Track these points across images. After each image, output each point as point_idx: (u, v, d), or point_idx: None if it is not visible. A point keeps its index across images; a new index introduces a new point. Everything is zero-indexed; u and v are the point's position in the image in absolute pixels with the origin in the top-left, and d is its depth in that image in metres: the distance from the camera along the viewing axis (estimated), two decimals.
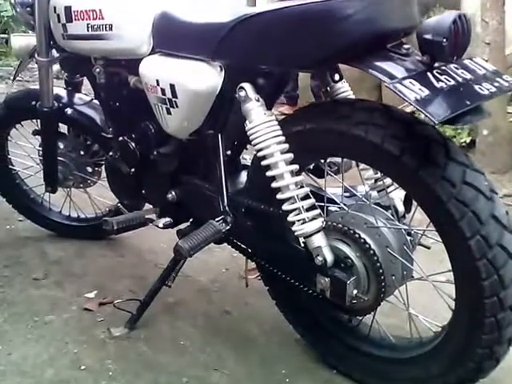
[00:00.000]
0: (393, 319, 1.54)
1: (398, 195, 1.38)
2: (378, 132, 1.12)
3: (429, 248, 1.38)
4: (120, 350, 1.58)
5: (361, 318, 1.44)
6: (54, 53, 1.85)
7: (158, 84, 1.41)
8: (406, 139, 1.10)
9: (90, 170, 2.18)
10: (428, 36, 1.02)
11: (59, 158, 2.11)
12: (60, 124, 2.08)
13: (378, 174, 1.38)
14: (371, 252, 1.22)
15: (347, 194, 1.39)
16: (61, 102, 2.02)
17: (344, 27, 1.07)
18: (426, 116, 0.96)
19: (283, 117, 1.33)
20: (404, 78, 1.01)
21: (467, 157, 1.11)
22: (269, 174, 1.24)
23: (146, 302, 1.67)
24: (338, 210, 1.36)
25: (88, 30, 1.56)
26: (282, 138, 1.24)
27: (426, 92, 0.99)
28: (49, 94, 1.93)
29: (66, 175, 2.16)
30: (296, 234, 1.24)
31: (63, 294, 1.89)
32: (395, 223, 1.27)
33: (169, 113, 1.42)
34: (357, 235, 1.23)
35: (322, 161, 1.41)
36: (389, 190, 1.33)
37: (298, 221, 1.23)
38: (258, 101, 1.24)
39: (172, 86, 1.37)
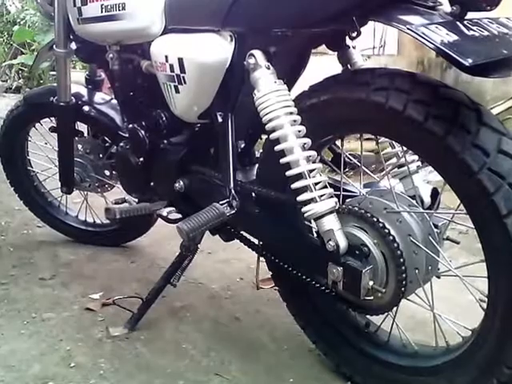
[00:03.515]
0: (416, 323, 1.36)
1: (424, 187, 1.24)
2: (399, 97, 0.99)
3: (458, 243, 1.22)
4: (116, 349, 1.45)
5: (379, 324, 1.28)
6: (73, 45, 1.81)
7: (166, 60, 1.33)
8: (431, 104, 0.97)
9: (107, 173, 2.10)
10: None
11: (77, 159, 2.04)
12: (80, 124, 2.03)
13: (402, 160, 1.24)
14: (390, 238, 1.07)
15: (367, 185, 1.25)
16: (79, 100, 1.96)
17: None
18: (453, 61, 0.82)
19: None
20: (429, 24, 0.88)
21: (503, 124, 0.96)
22: (278, 147, 1.11)
23: (149, 301, 1.54)
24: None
25: (102, 11, 1.51)
26: (294, 109, 1.12)
27: (455, 37, 0.86)
28: (66, 88, 1.88)
29: (82, 177, 2.09)
30: (306, 215, 1.10)
31: (67, 294, 1.80)
32: (418, 209, 1.12)
33: (177, 91, 1.33)
34: (374, 219, 1.09)
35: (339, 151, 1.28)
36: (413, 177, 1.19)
37: (309, 200, 1.09)
38: (268, 68, 1.13)
39: (180, 60, 1.28)
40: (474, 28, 0.90)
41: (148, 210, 1.51)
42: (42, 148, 2.20)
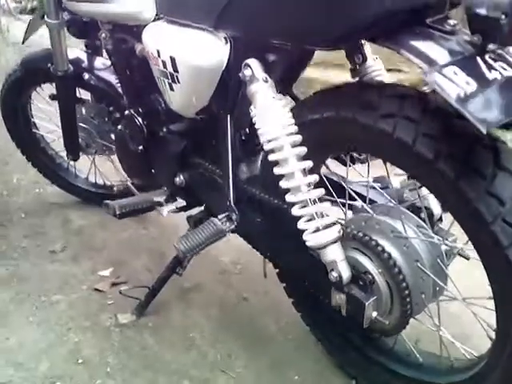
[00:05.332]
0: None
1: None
2: (408, 128, 0.89)
3: (468, 259, 1.16)
4: (124, 340, 1.47)
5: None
6: (66, 14, 1.68)
7: (159, 55, 1.22)
8: (443, 140, 0.87)
9: (113, 136, 2.04)
10: (481, 10, 0.77)
11: (81, 125, 1.98)
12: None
13: None
14: (396, 270, 1.01)
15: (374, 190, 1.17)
16: (78, 66, 1.86)
17: None
18: (472, 123, 0.72)
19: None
20: (446, 65, 0.77)
21: None
22: (277, 171, 1.03)
23: (155, 290, 1.54)
24: (361, 207, 1.15)
25: None
26: (294, 128, 1.03)
27: (474, 86, 0.75)
28: (62, 57, 1.78)
29: (88, 142, 2.03)
30: (308, 244, 1.04)
31: (77, 270, 1.80)
32: (428, 233, 1.05)
33: (171, 88, 1.24)
34: (380, 248, 1.02)
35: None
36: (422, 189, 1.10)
37: (310, 229, 1.02)
38: (265, 81, 1.03)
39: (172, 60, 1.17)
40: (497, 65, 0.79)
41: (149, 202, 1.46)
42: (45, 111, 2.12)
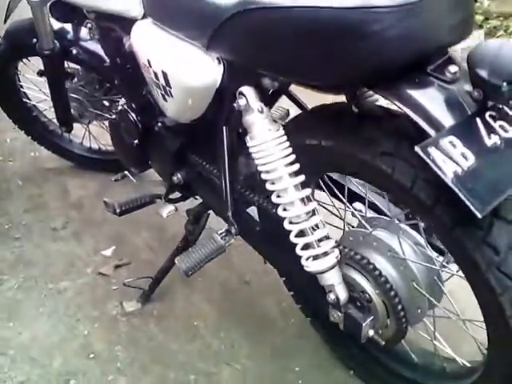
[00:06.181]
0: None
1: None
2: (407, 171, 0.88)
3: None
4: (131, 331, 1.53)
5: None
6: None
7: (150, 65, 1.17)
8: (441, 187, 0.86)
9: (106, 103, 2.00)
10: (483, 73, 0.74)
11: (72, 95, 1.94)
12: None
13: None
14: (393, 293, 1.04)
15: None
16: (64, 40, 1.79)
17: (370, 45, 0.78)
18: (465, 207, 0.71)
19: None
20: (443, 135, 0.74)
21: None
22: (276, 200, 1.03)
23: (158, 279, 1.59)
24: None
25: None
26: (292, 157, 1.01)
27: (471, 159, 0.73)
28: (47, 35, 1.71)
29: (81, 112, 2.00)
30: (306, 269, 1.06)
31: (80, 251, 1.84)
32: (425, 251, 1.07)
33: (164, 99, 1.20)
34: (377, 272, 1.05)
35: None
36: None
37: (309, 256, 1.04)
38: (261, 111, 1.00)
39: (164, 74, 1.13)
40: (497, 126, 0.76)
41: (148, 197, 1.46)
42: (34, 81, 2.06)
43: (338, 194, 1.20)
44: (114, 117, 1.51)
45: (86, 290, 1.67)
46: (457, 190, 0.73)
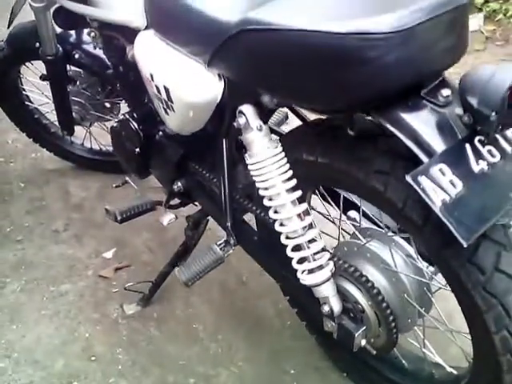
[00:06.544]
0: None
1: None
2: (399, 190, 0.92)
3: None
4: (131, 334, 1.57)
5: None
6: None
7: (152, 79, 1.20)
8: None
9: (108, 105, 2.04)
10: (473, 101, 0.77)
11: (74, 98, 1.97)
12: None
13: None
14: (385, 305, 1.08)
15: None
16: (66, 44, 1.82)
17: (366, 72, 0.82)
18: (452, 235, 0.75)
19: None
20: (433, 163, 0.78)
21: (506, 232, 0.90)
22: (274, 216, 1.07)
23: (158, 283, 1.63)
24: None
25: None
26: (289, 173, 1.05)
27: (459, 187, 0.77)
28: (50, 40, 1.75)
29: (82, 115, 2.04)
30: (301, 281, 1.10)
31: (81, 253, 1.88)
32: (416, 263, 1.11)
33: (166, 113, 1.24)
34: (370, 284, 1.09)
35: None
36: None
37: (304, 270, 1.08)
38: (259, 130, 1.03)
39: (166, 89, 1.16)
40: (485, 151, 0.80)
41: (148, 205, 1.50)
42: (36, 85, 2.09)
43: (333, 204, 1.24)
44: (115, 124, 1.54)
45: (86, 293, 1.71)
46: (444, 219, 0.77)
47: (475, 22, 3.07)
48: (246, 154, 1.06)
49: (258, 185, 1.06)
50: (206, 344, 1.54)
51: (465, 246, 0.76)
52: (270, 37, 0.91)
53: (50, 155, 2.32)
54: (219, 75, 1.08)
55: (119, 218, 1.46)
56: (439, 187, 0.78)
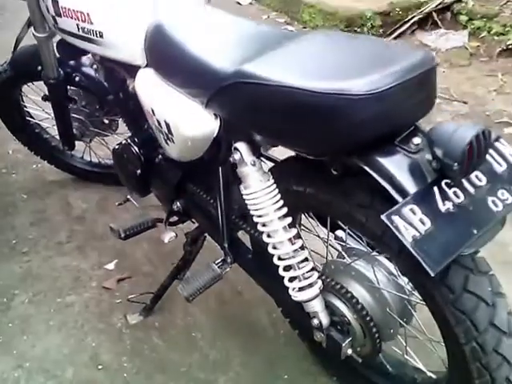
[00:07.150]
0: None
1: None
2: (378, 222, 1.03)
3: None
4: (135, 343, 1.68)
5: None
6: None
7: (153, 113, 1.31)
8: None
9: (106, 121, 2.14)
10: (438, 152, 0.89)
11: (74, 116, 2.06)
12: None
13: None
14: (368, 318, 1.20)
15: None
16: (67, 68, 1.91)
17: (346, 124, 0.93)
18: (421, 267, 0.87)
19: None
20: (405, 204, 0.90)
21: (473, 258, 1.02)
22: (267, 240, 1.18)
23: (159, 295, 1.73)
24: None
25: (79, 31, 1.43)
26: (280, 203, 1.17)
27: (428, 224, 0.89)
28: (52, 65, 1.83)
29: (82, 131, 2.13)
30: (292, 297, 1.21)
31: (85, 265, 1.98)
32: (398, 281, 1.23)
33: (167, 143, 1.34)
34: (355, 300, 1.21)
35: None
36: None
37: (295, 287, 1.20)
38: (253, 165, 1.15)
39: (167, 124, 1.27)
40: (451, 193, 0.91)
41: (150, 223, 1.61)
42: (37, 102, 2.18)
43: (320, 225, 1.35)
44: (117, 147, 1.64)
45: (91, 304, 1.81)
46: (414, 253, 0.88)
47: (460, 38, 3.18)
48: (241, 186, 1.17)
49: (252, 213, 1.17)
50: (206, 351, 1.65)
51: (432, 275, 0.88)
52: (261, 89, 1.02)
53: (50, 166, 2.42)
54: (215, 115, 1.18)
55: (123, 236, 1.56)
56: (410, 225, 0.89)
